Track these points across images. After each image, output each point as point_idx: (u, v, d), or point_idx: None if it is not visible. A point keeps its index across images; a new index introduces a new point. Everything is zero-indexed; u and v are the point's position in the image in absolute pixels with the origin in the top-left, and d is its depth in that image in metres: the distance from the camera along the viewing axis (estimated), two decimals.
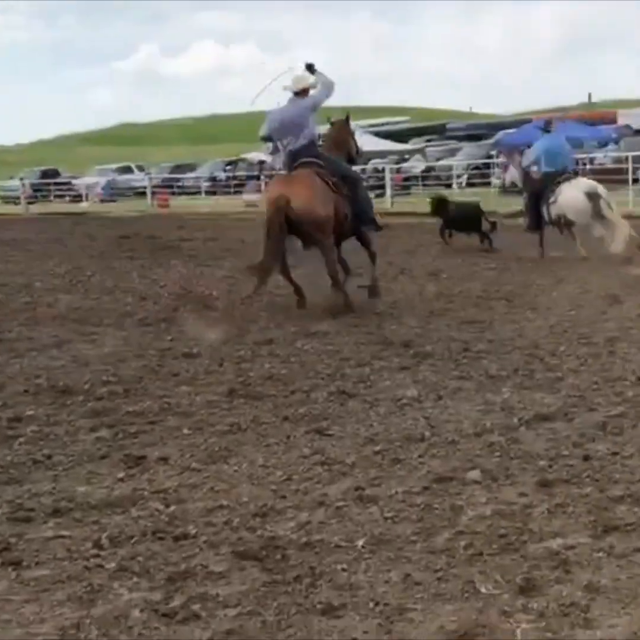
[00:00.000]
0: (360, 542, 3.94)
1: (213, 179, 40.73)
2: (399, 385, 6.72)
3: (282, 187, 10.31)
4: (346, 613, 3.33)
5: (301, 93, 10.54)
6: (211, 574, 3.71)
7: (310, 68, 10.65)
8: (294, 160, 10.41)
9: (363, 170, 31.72)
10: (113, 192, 42.89)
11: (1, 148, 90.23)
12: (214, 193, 38.58)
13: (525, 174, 15.25)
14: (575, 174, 15.28)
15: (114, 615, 3.36)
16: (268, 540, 4.01)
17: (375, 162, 36.95)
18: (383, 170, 32.97)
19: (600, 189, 14.16)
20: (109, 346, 8.68)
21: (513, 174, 16.25)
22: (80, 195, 42.49)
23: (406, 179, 35.94)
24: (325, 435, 5.60)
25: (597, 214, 13.78)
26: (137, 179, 43.37)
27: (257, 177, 34.78)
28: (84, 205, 39.36)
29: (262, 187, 32.77)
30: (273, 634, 3.21)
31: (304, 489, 4.68)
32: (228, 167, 42.57)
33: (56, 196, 43.57)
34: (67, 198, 43.01)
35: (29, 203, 39.60)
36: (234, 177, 39.30)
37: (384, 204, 30.21)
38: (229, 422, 5.95)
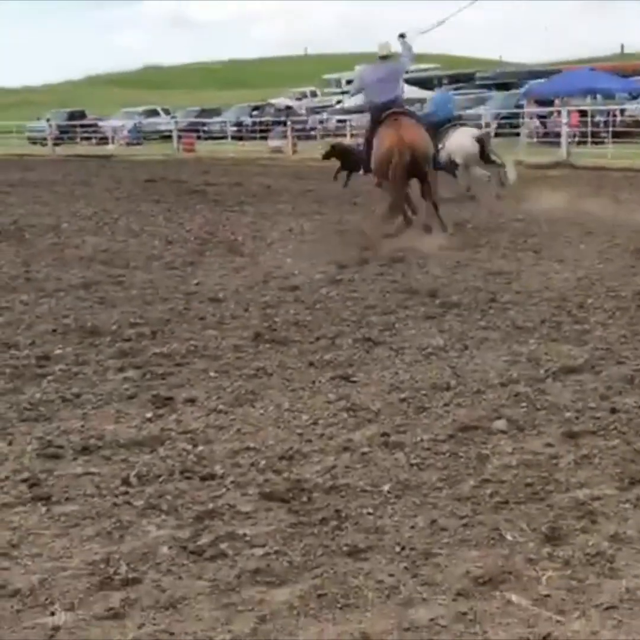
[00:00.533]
0: (385, 487, 3.97)
1: (239, 123, 40.38)
2: (424, 334, 6.71)
3: (399, 132, 11.31)
4: (372, 556, 3.36)
5: (385, 58, 12.00)
6: (238, 513, 3.75)
7: (402, 36, 12.25)
8: (385, 110, 11.61)
9: None
10: (139, 135, 42.67)
11: (28, 88, 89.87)
12: (240, 138, 38.27)
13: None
14: (461, 123, 16.81)
15: (142, 551, 3.41)
16: (294, 482, 4.04)
17: None
18: None
19: (485, 134, 16.03)
20: (136, 289, 8.71)
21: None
22: (106, 138, 42.30)
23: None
24: (350, 382, 5.61)
25: (483, 157, 15.28)
26: (163, 122, 43.07)
27: (284, 123, 34.44)
28: (110, 148, 39.21)
29: (288, 133, 32.52)
30: (299, 573, 3.25)
31: (330, 434, 4.71)
32: (254, 112, 42.21)
33: (82, 138, 43.43)
34: (93, 140, 42.85)
35: (56, 144, 39.50)
36: (260, 123, 38.98)
37: None
38: (255, 367, 5.98)
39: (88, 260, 10.35)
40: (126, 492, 3.96)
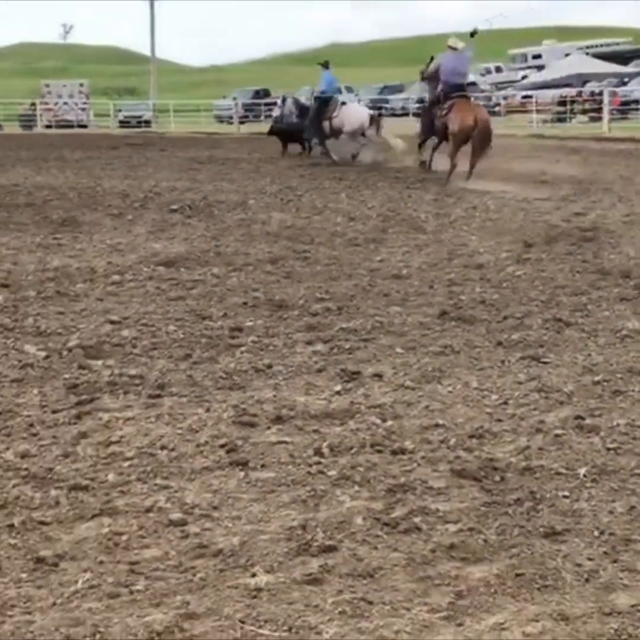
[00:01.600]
0: (582, 471, 3.88)
1: (421, 100, 40.17)
2: (618, 317, 6.50)
3: (471, 110, 16.12)
4: (570, 539, 3.30)
5: (456, 49, 16.57)
6: (430, 489, 3.76)
7: (473, 34, 17.76)
8: (457, 91, 16.32)
9: (579, 93, 30.43)
10: None
11: (215, 67, 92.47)
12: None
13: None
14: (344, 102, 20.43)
15: (338, 520, 3.47)
16: (486, 461, 4.01)
17: (591, 85, 35.29)
18: (600, 93, 31.48)
19: (370, 111, 20.85)
20: (321, 265, 8.83)
21: None
22: None
23: (625, 103, 34.18)
24: (541, 363, 5.50)
25: (369, 128, 19.06)
26: (346, 99, 43.41)
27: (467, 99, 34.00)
28: None
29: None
30: (495, 552, 3.23)
31: (521, 414, 4.64)
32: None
33: (267, 116, 44.33)
34: None
35: (241, 122, 40.50)
36: None
37: (600, 129, 28.97)
38: (442, 344, 5.95)
39: (274, 235, 10.57)
40: (319, 462, 4.03)
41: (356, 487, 3.79)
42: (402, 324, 6.53)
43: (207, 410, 4.73)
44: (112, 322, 6.50)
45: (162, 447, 4.19)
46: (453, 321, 6.55)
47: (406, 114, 38.88)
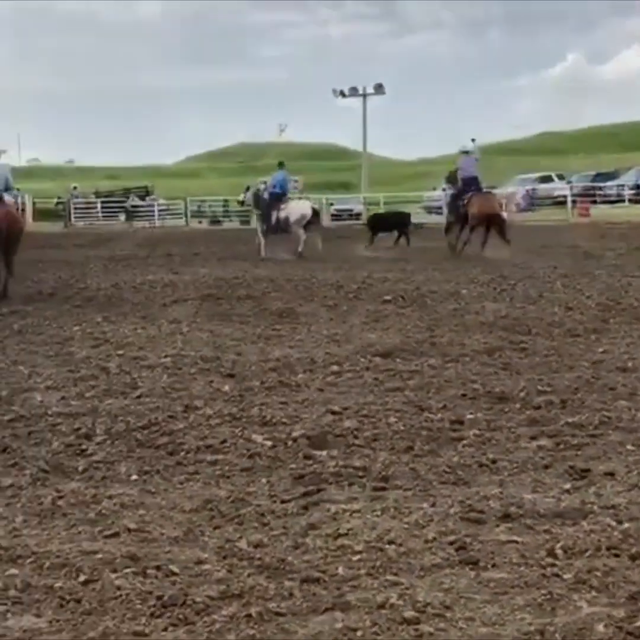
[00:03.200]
0: None
1: (637, 186, 39.19)
2: None
3: (489, 201, 20.56)
4: None
5: (467, 153, 21.33)
6: None
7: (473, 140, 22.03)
8: (473, 185, 20.56)
9: None
10: (532, 202, 42.86)
11: (425, 160, 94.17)
12: (639, 202, 37.13)
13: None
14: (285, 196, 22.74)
15: (577, 627, 3.32)
16: None
17: None
18: None
19: (314, 206, 24.20)
20: (539, 356, 8.67)
21: None
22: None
23: None
24: None
25: (311, 222, 22.13)
26: (558, 188, 42.98)
27: None
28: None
29: None
30: None
31: None
32: None
33: None
34: None
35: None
36: None
37: None
38: None
39: (489, 326, 10.50)
40: (553, 564, 3.89)
41: (594, 592, 3.62)
42: (631, 419, 6.27)
43: (433, 504, 4.68)
44: (333, 413, 6.61)
45: (390, 542, 4.17)
46: None
47: (622, 200, 37.99)
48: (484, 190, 21.23)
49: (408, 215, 27.99)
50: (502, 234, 20.10)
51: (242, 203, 28.45)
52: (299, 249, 21.62)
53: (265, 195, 23.34)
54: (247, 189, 26.03)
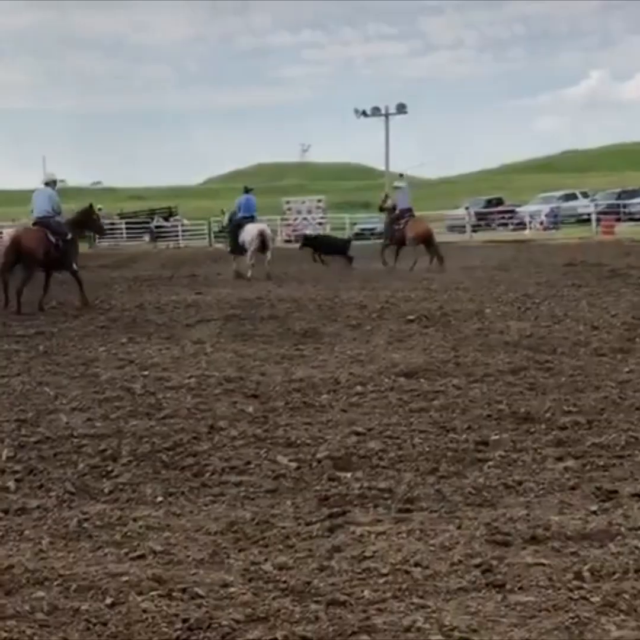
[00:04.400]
0: None
1: None
2: None
3: (423, 225, 24.15)
4: None
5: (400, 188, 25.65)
6: None
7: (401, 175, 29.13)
8: (407, 213, 24.12)
9: None
10: (556, 220, 42.79)
11: (446, 179, 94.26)
12: None
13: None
14: (253, 219, 23.36)
15: None
16: None
17: None
18: None
19: (268, 229, 23.81)
20: (565, 376, 8.61)
21: None
22: (523, 223, 42.93)
23: None
24: None
25: (262, 244, 22.39)
26: (582, 205, 42.91)
27: None
28: (526, 233, 39.71)
29: None
30: None
31: None
32: None
33: (499, 224, 44.49)
34: (510, 226, 43.70)
35: (474, 231, 40.82)
36: None
37: None
38: None
39: (513, 345, 10.44)
40: (581, 587, 3.86)
41: (622, 616, 3.59)
42: None
43: (459, 527, 4.66)
44: (357, 434, 6.60)
45: (416, 564, 4.16)
46: None
47: None
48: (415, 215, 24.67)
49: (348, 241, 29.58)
50: (437, 251, 23.37)
51: (225, 228, 29.14)
52: (248, 273, 21.99)
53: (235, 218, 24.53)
54: (222, 212, 26.35)
